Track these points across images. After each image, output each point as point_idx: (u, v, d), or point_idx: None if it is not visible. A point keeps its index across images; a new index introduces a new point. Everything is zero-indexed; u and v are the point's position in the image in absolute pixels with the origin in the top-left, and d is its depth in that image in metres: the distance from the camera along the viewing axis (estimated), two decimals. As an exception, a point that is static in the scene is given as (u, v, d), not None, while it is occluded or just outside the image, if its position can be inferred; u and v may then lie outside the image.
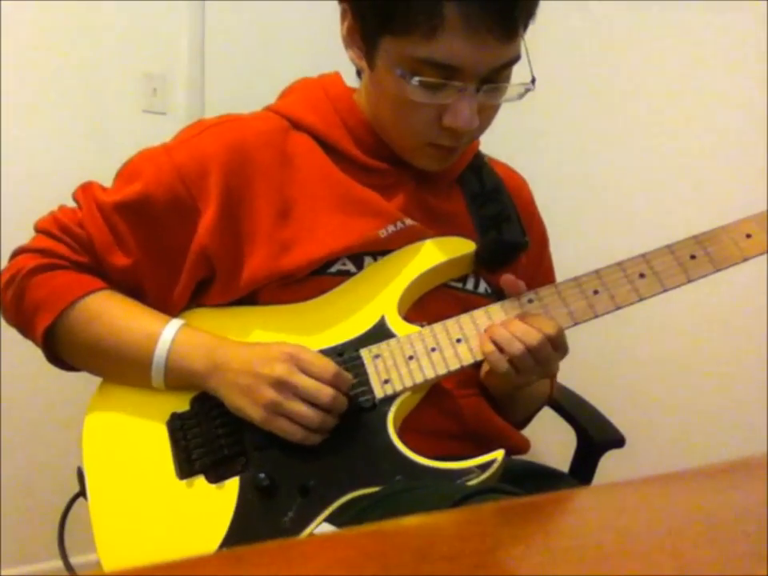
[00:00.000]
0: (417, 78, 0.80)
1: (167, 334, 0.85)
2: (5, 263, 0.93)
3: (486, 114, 0.86)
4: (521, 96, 0.86)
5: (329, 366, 0.79)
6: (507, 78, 0.84)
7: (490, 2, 0.76)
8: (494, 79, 0.82)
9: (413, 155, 0.90)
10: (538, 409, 1.05)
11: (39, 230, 0.92)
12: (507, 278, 0.86)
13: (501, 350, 0.80)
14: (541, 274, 1.01)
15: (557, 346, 0.82)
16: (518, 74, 0.85)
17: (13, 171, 1.68)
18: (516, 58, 0.83)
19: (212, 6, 1.88)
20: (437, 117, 0.83)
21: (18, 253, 0.92)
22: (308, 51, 1.97)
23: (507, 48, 0.80)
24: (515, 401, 0.95)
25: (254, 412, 0.79)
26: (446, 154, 0.89)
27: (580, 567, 0.30)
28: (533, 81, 0.85)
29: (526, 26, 0.83)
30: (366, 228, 0.88)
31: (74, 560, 0.93)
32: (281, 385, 0.78)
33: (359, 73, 0.94)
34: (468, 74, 0.80)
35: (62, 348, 0.90)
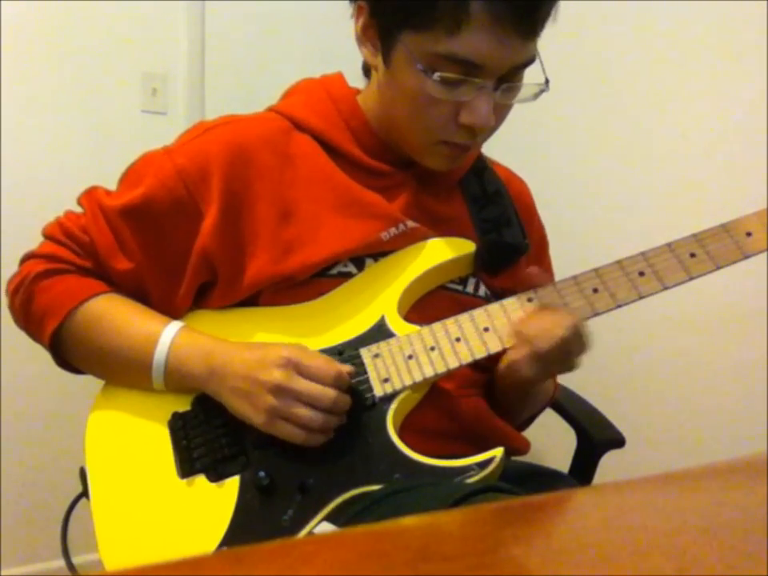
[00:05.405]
0: (438, 74, 0.80)
1: (166, 336, 0.85)
2: (4, 261, 0.93)
3: (500, 114, 0.86)
4: (535, 96, 0.85)
5: (329, 368, 0.79)
6: (522, 79, 0.85)
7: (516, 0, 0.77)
8: (511, 79, 0.82)
9: (424, 153, 0.89)
10: (541, 410, 1.05)
11: (45, 235, 0.93)
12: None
13: (530, 343, 0.81)
14: None
15: (579, 336, 0.82)
16: (528, 77, 0.85)
17: (13, 171, 1.68)
18: (532, 59, 0.83)
19: (212, 6, 1.88)
20: (453, 114, 0.83)
21: (25, 258, 0.93)
22: (308, 51, 1.97)
23: (527, 47, 0.81)
24: (526, 396, 0.94)
25: (255, 417, 0.79)
26: (458, 153, 0.88)
27: (580, 567, 0.30)
28: (546, 82, 0.85)
29: (543, 27, 0.83)
30: (367, 231, 0.88)
31: (74, 560, 0.93)
32: (280, 391, 0.77)
33: (367, 73, 0.94)
34: (488, 71, 0.80)
35: (67, 352, 0.91)
